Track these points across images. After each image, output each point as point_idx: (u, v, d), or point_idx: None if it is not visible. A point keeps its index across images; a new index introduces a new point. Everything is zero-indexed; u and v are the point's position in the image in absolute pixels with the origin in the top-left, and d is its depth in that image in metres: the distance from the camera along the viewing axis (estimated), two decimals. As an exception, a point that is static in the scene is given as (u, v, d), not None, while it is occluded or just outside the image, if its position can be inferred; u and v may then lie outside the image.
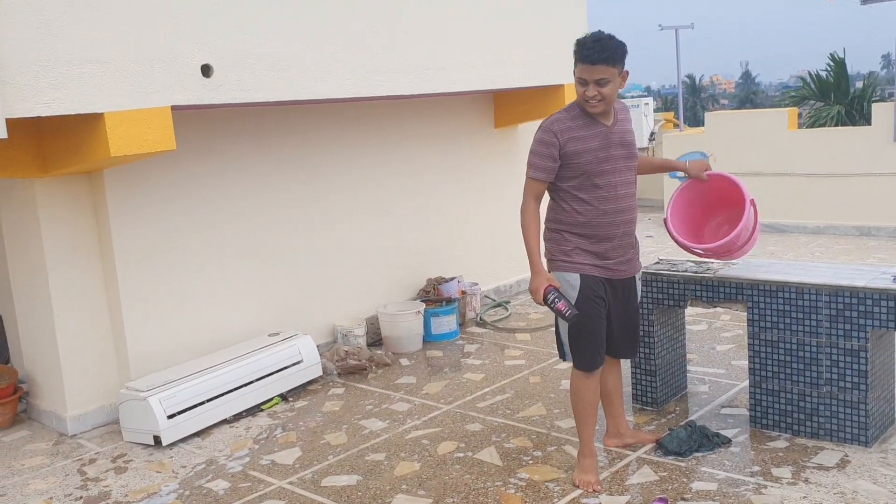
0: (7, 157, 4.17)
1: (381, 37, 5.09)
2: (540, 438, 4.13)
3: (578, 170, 3.42)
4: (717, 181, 3.85)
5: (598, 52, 3.28)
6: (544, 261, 3.50)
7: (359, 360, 5.39)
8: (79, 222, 4.62)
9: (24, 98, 3.62)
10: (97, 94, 3.85)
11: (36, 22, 3.65)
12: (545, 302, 3.40)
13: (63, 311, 4.60)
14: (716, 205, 3.98)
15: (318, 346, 5.36)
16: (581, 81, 3.36)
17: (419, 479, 3.78)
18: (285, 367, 5.01)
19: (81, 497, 3.84)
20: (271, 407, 4.88)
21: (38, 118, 3.84)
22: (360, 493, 3.68)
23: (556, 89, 6.17)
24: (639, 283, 3.71)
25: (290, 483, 3.84)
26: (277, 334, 5.25)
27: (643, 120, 12.04)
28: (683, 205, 3.93)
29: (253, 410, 4.81)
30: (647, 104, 12.51)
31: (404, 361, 5.60)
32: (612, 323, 3.60)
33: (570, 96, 5.79)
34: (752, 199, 3.78)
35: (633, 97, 14.85)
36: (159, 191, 4.82)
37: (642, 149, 11.82)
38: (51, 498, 3.85)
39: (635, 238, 3.63)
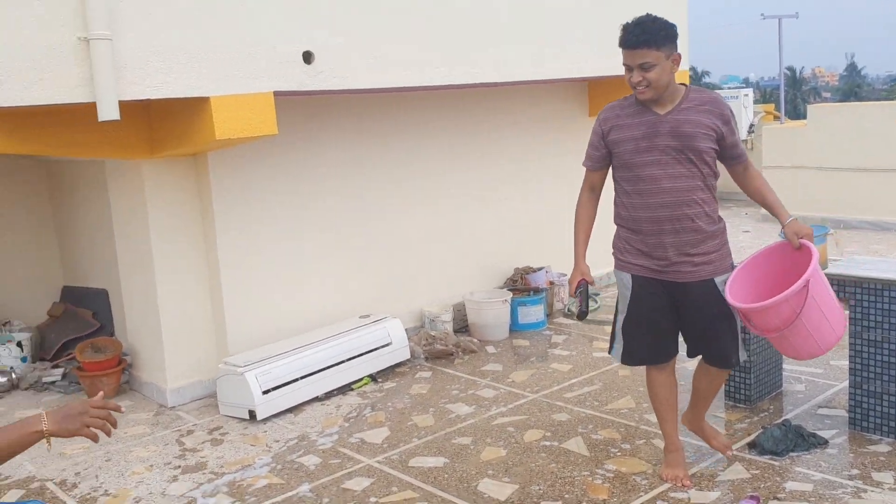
0: (118, 138, 4.37)
1: (477, 25, 5.10)
2: (628, 431, 4.09)
3: (620, 159, 3.31)
4: (804, 254, 3.13)
5: (639, 34, 3.09)
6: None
7: (445, 346, 5.44)
8: (183, 203, 4.80)
9: (135, 82, 3.79)
10: (203, 78, 4.00)
11: (148, 11, 3.81)
12: (574, 295, 3.40)
13: (166, 288, 4.80)
14: (787, 275, 3.14)
15: (406, 330, 5.44)
16: (626, 67, 3.19)
17: (505, 464, 3.80)
18: (375, 349, 5.10)
19: (180, 466, 4.01)
20: (361, 387, 4.98)
21: (148, 101, 4.02)
22: (446, 476, 3.73)
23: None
24: (720, 288, 3.24)
25: (378, 462, 3.92)
26: (368, 316, 5.35)
27: (742, 112, 11.71)
28: (760, 264, 3.29)
29: (343, 389, 4.92)
30: (746, 95, 12.17)
31: (490, 349, 5.62)
32: (687, 328, 3.41)
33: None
34: (810, 280, 2.97)
35: (730, 88, 14.46)
36: (260, 174, 4.97)
37: (743, 140, 11.50)
38: (151, 465, 4.04)
39: (706, 238, 3.25)
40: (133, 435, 4.45)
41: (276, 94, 4.25)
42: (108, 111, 3.64)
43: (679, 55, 3.21)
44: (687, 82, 4.15)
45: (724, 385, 4.26)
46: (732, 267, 3.30)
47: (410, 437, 4.20)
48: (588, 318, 6.02)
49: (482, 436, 4.16)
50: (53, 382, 5.32)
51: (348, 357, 4.94)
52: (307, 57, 4.35)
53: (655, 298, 3.34)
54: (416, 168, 5.79)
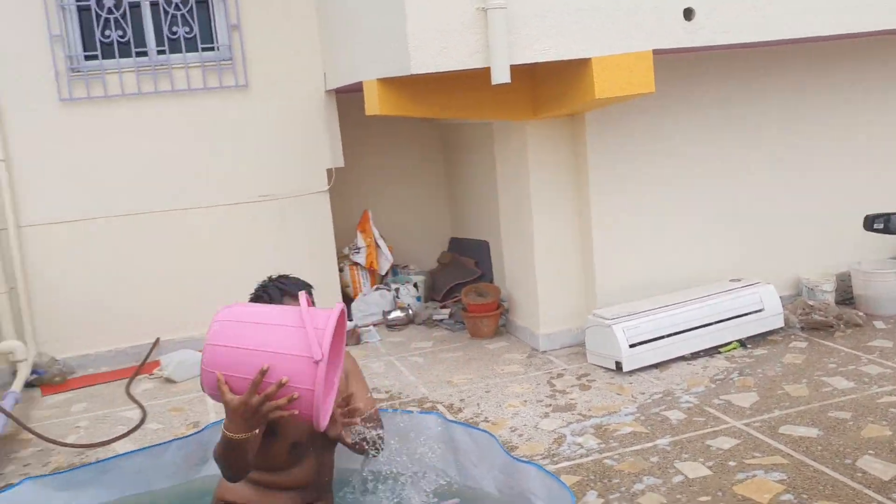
0: (507, 100, 4.74)
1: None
2: None
3: None
4: None
5: None
6: None
7: (825, 317, 5.10)
8: (559, 161, 5.07)
9: (525, 46, 4.08)
10: (586, 40, 4.17)
11: (538, -24, 4.07)
12: None
13: (542, 242, 5.13)
14: None
15: (781, 298, 5.19)
16: None
17: (890, 444, 3.51)
18: (745, 314, 4.96)
19: (550, 405, 4.32)
20: (729, 351, 4.88)
21: (534, 65, 4.30)
22: (819, 447, 3.55)
23: None
24: None
25: (745, 424, 3.85)
26: (739, 280, 5.20)
27: None
28: None
29: (710, 351, 4.87)
30: None
31: (878, 324, 5.14)
32: None
33: None
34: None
35: None
36: (635, 133, 5.06)
37: None
38: (525, 401, 4.40)
39: None
40: (508, 372, 4.86)
41: (655, 52, 4.29)
42: (501, 75, 3.97)
43: None
44: None
45: None
46: None
47: (780, 404, 4.05)
48: None
49: (863, 413, 3.86)
50: (441, 320, 6.00)
51: (717, 320, 4.87)
52: (688, 13, 4.32)
53: None
54: (800, 130, 5.45)
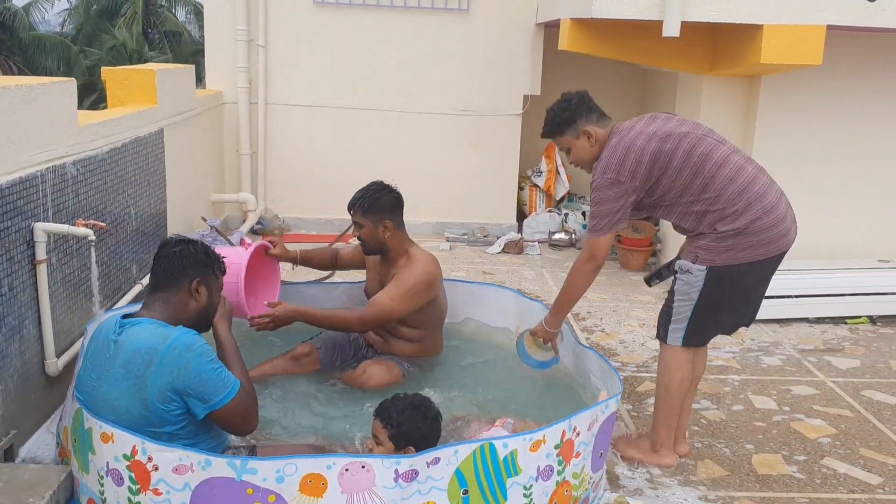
0: (684, 52, 5.15)
1: None
2: None
3: None
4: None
5: (543, 127, 3.24)
6: None
7: (969, 313, 5.14)
8: (729, 119, 5.40)
9: (700, 6, 4.49)
10: (761, 8, 4.49)
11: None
12: None
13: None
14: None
15: (931, 288, 5.28)
16: None
17: (959, 424, 3.76)
18: (881, 293, 5.12)
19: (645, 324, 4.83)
20: (856, 323, 5.10)
21: (716, 24, 4.68)
22: (889, 412, 3.85)
23: None
24: (676, 273, 3.13)
25: (832, 381, 4.19)
26: (888, 262, 5.33)
27: None
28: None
29: (836, 320, 5.12)
30: None
31: None
32: None
33: None
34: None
35: None
36: (806, 102, 5.28)
37: None
38: (643, 324, 4.94)
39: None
40: (640, 301, 5.40)
41: (830, 27, 4.52)
42: (671, 28, 4.43)
43: (587, 131, 3.11)
44: None
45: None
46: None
47: (877, 373, 4.32)
48: None
49: (953, 396, 4.08)
50: (599, 248, 6.57)
51: (847, 292, 5.08)
52: (872, -6, 4.49)
53: None
54: None
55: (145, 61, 22.01)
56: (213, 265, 2.72)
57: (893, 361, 4.51)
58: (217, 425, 2.57)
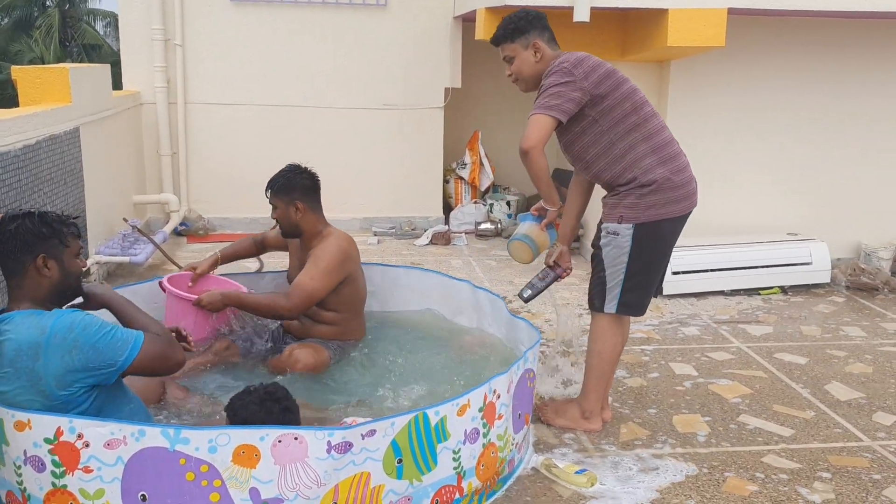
0: (596, 40, 5.31)
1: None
2: None
3: None
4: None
5: (496, 31, 3.27)
6: None
7: (872, 280, 5.43)
8: (644, 103, 5.59)
9: (610, -8, 4.65)
10: (668, -8, 4.68)
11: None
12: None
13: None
14: None
15: (837, 260, 5.59)
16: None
17: (864, 379, 3.97)
18: (791, 265, 5.38)
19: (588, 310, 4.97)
20: (769, 294, 5.34)
21: (625, 11, 4.85)
22: (798, 371, 4.06)
23: None
24: (601, 237, 3.21)
25: (747, 346, 4.39)
26: (795, 235, 5.59)
27: None
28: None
29: (750, 292, 5.35)
30: None
31: (926, 295, 5.44)
32: None
33: None
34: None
35: None
36: (713, 83, 5.50)
37: None
38: (567, 303, 5.08)
39: (606, 190, 3.25)
40: (566, 283, 5.51)
41: (731, 10, 4.73)
42: (581, 14, 4.58)
43: (537, 44, 3.16)
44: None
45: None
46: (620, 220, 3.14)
47: (788, 338, 4.54)
48: None
49: (859, 353, 4.31)
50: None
51: (760, 265, 5.32)
52: (768, -23, 4.72)
53: None
54: (873, 98, 5.68)
55: (59, 72, 21.35)
56: (56, 234, 2.51)
57: (804, 326, 4.74)
58: (145, 376, 2.55)
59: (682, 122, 5.50)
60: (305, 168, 3.67)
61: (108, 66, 5.70)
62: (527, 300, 3.50)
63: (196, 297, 3.56)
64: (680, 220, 3.19)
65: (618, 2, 4.68)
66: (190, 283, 3.83)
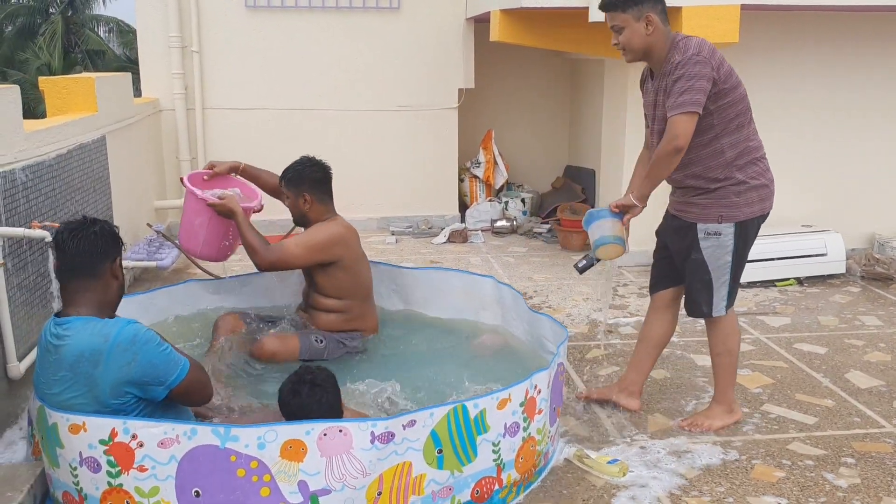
0: (609, 39, 5.35)
1: None
2: None
3: None
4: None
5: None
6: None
7: (887, 269, 5.50)
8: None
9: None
10: (681, -10, 4.75)
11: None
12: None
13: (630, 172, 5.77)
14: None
15: (852, 250, 5.66)
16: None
17: (884, 367, 4.05)
18: (806, 256, 5.45)
19: (608, 304, 5.06)
20: (785, 286, 5.41)
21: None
22: (818, 361, 4.14)
23: None
24: (700, 239, 3.19)
25: (766, 337, 4.47)
26: (811, 226, 5.66)
27: None
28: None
29: (766, 283, 5.42)
30: None
31: (941, 284, 5.50)
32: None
33: None
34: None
35: None
36: (727, 80, 5.57)
37: None
38: (587, 298, 5.16)
39: (695, 188, 3.21)
40: (583, 278, 5.60)
41: (744, 6, 4.80)
42: (597, 14, 4.63)
43: (650, 17, 3.07)
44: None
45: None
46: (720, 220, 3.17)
47: (807, 328, 4.61)
48: None
49: (875, 341, 4.39)
50: (540, 233, 6.79)
51: (775, 257, 5.39)
52: (779, -26, 4.79)
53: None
54: (884, 88, 5.75)
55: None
56: (119, 237, 2.65)
57: (821, 317, 4.81)
58: (177, 401, 2.64)
59: (695, 117, 5.58)
60: (318, 161, 3.86)
61: (129, 76, 5.80)
62: (581, 271, 3.39)
63: (211, 198, 3.71)
64: (765, 218, 3.27)
65: (632, 1, 4.74)
66: (205, 178, 4.00)
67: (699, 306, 3.30)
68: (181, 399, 2.63)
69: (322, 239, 3.71)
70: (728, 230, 3.15)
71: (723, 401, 3.43)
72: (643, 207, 3.21)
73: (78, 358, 2.44)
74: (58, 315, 2.59)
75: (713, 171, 3.15)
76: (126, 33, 26.24)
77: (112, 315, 2.62)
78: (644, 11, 3.09)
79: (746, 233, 3.20)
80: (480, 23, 6.73)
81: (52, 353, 2.50)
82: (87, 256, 2.53)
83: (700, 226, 3.19)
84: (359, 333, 3.89)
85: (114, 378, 2.44)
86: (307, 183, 3.78)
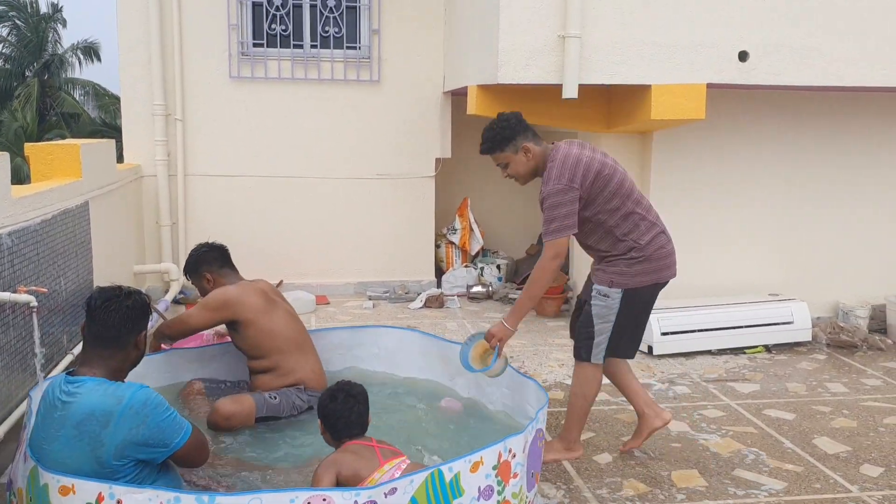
0: (583, 114, 5.61)
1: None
2: None
3: None
4: None
5: (482, 144, 3.58)
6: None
7: (851, 338, 5.66)
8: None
9: (595, 70, 4.95)
10: (649, 69, 4.99)
11: (618, 15, 4.92)
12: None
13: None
14: None
15: (817, 318, 5.83)
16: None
17: (850, 433, 4.16)
18: (774, 324, 5.60)
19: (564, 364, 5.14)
20: (754, 353, 5.55)
21: (610, 85, 5.15)
22: (786, 427, 4.24)
23: None
24: (593, 296, 3.56)
25: (737, 403, 4.57)
26: (776, 295, 5.84)
27: None
28: None
29: (736, 351, 5.55)
30: None
31: (903, 352, 5.67)
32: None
33: None
34: None
35: None
36: (694, 153, 5.80)
37: None
38: (563, 364, 5.25)
39: (598, 257, 3.64)
40: (558, 344, 5.71)
41: (710, 85, 5.05)
42: (570, 91, 4.86)
43: (527, 146, 3.47)
44: None
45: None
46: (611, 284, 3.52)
47: (774, 394, 4.73)
48: None
49: (840, 408, 4.50)
50: (515, 299, 6.88)
51: (744, 324, 5.54)
52: (742, 56, 5.05)
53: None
54: (846, 165, 6.01)
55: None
56: (149, 310, 2.77)
57: (788, 384, 4.94)
58: (179, 463, 2.69)
59: (664, 188, 5.79)
60: (210, 243, 4.20)
61: (112, 142, 5.89)
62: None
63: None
64: (660, 286, 3.60)
65: (604, 79, 4.98)
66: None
67: (580, 351, 3.64)
68: (182, 461, 2.69)
69: (213, 299, 3.95)
70: (616, 295, 3.49)
71: (565, 437, 3.71)
72: (512, 332, 3.58)
73: (87, 416, 2.49)
74: (69, 373, 2.64)
75: (607, 246, 3.54)
76: (102, 96, 26.45)
77: (123, 379, 2.68)
78: (519, 144, 3.51)
79: (635, 299, 3.52)
80: (458, 95, 6.95)
81: (59, 410, 2.54)
82: (116, 329, 2.63)
83: (595, 286, 3.56)
84: (302, 387, 3.96)
85: (121, 439, 2.49)
86: (203, 265, 4.12)
